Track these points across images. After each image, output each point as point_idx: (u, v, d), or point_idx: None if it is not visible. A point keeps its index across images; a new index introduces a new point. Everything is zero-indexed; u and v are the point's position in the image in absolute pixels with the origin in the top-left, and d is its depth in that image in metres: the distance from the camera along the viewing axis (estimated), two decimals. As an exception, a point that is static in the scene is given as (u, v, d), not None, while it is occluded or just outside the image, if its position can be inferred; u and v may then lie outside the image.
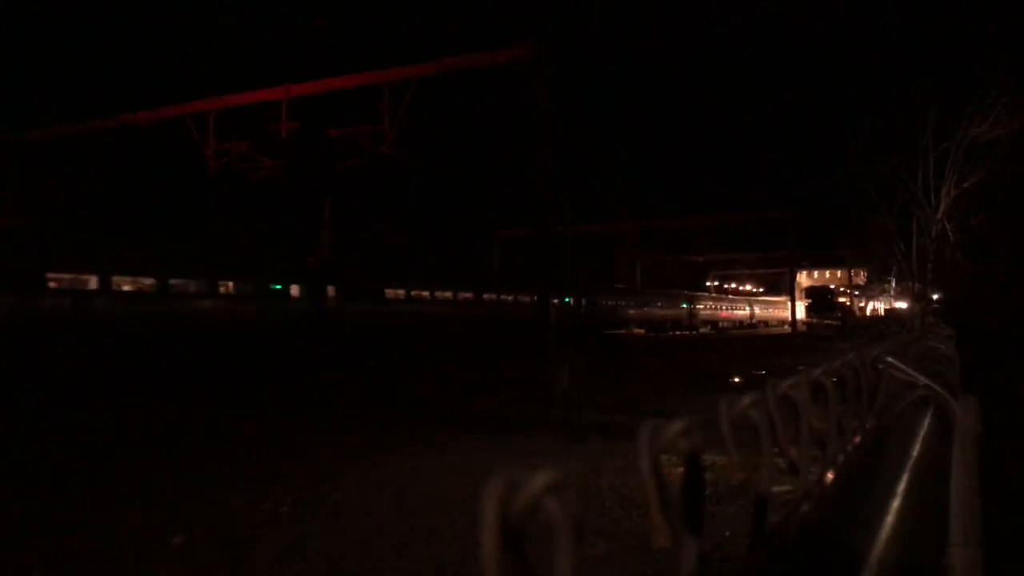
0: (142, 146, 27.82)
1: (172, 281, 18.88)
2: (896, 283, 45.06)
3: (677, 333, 49.94)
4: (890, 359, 2.77)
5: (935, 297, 32.00)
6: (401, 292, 27.54)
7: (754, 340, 43.40)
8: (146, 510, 6.12)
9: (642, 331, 46.19)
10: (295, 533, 5.52)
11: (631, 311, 47.14)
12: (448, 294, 29.47)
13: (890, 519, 1.28)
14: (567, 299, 34.65)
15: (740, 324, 65.58)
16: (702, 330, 55.28)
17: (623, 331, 43.70)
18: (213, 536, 5.42)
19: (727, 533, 5.11)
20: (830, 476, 1.44)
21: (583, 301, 38.35)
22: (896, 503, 1.38)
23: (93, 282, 16.82)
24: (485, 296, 31.66)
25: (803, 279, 78.24)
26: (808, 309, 75.25)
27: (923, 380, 2.85)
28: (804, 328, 56.53)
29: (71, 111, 29.00)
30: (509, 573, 0.49)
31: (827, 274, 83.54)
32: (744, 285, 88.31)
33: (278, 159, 23.03)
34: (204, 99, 24.26)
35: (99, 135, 25.76)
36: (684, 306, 54.51)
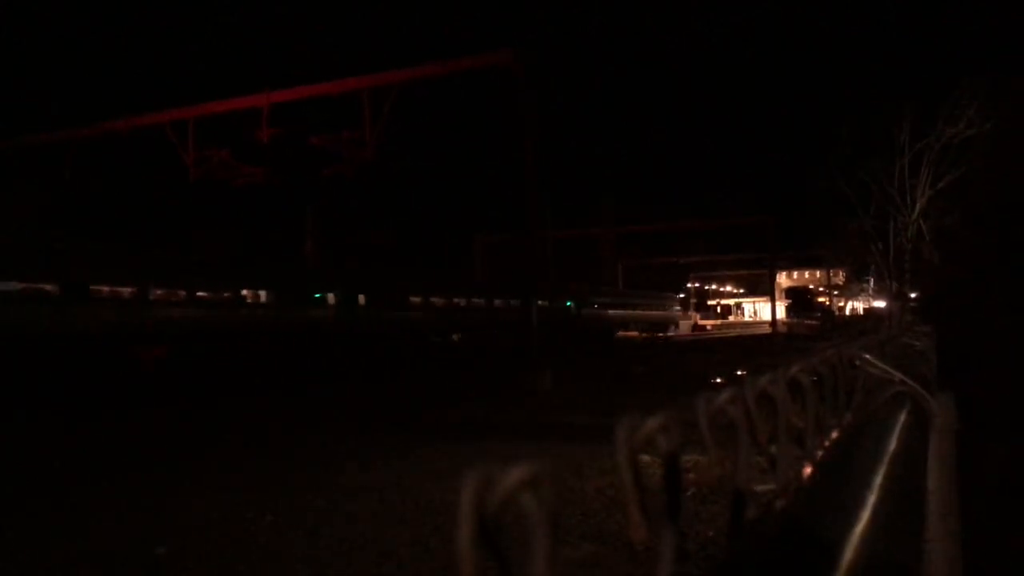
0: (122, 154, 27.55)
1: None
2: (874, 282, 45.57)
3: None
4: (867, 356, 2.80)
5: (912, 296, 32.37)
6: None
7: (736, 342, 43.66)
8: (131, 519, 6.06)
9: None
10: (279, 541, 5.49)
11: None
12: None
13: (867, 513, 1.30)
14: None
15: None
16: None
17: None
18: (197, 545, 5.37)
19: (710, 533, 5.14)
20: (808, 471, 1.45)
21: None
22: (873, 497, 1.40)
23: None
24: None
25: (783, 279, 78.84)
26: (788, 309, 75.78)
27: (899, 377, 2.89)
28: (785, 328, 56.97)
29: (49, 119, 28.70)
30: (484, 569, 0.50)
31: (806, 274, 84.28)
32: (725, 286, 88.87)
33: (259, 166, 22.92)
34: (184, 106, 24.13)
35: (78, 143, 25.52)
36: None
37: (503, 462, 0.56)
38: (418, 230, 52.43)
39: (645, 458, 0.87)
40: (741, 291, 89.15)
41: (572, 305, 37.71)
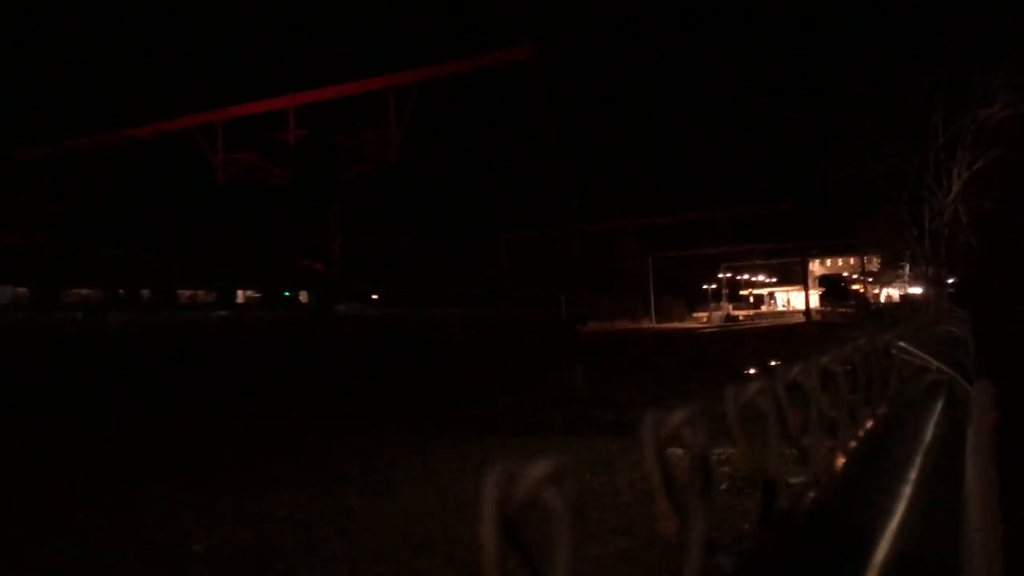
0: (148, 160, 27.93)
1: None
2: (910, 269, 44.78)
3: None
4: (902, 344, 2.75)
5: (950, 281, 31.78)
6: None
7: (768, 332, 43.24)
8: (165, 517, 6.16)
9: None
10: (313, 538, 5.55)
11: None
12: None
13: (902, 504, 1.27)
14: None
15: None
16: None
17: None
18: (232, 543, 5.45)
19: (745, 526, 5.09)
20: (841, 462, 1.43)
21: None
22: (908, 488, 1.38)
23: None
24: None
25: (816, 267, 77.80)
26: (822, 297, 74.85)
27: (936, 364, 2.83)
28: (819, 317, 56.31)
29: (75, 127, 29.05)
30: (507, 563, 0.50)
31: (840, 262, 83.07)
32: (757, 276, 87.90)
33: (286, 168, 23.15)
34: (212, 110, 24.46)
35: (104, 150, 25.98)
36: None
37: (532, 457, 0.56)
38: (442, 228, 52.52)
39: (677, 451, 0.87)
40: (773, 280, 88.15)
41: (311, 298, 22.71)
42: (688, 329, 50.76)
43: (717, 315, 65.15)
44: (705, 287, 73.83)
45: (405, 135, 21.31)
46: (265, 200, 28.90)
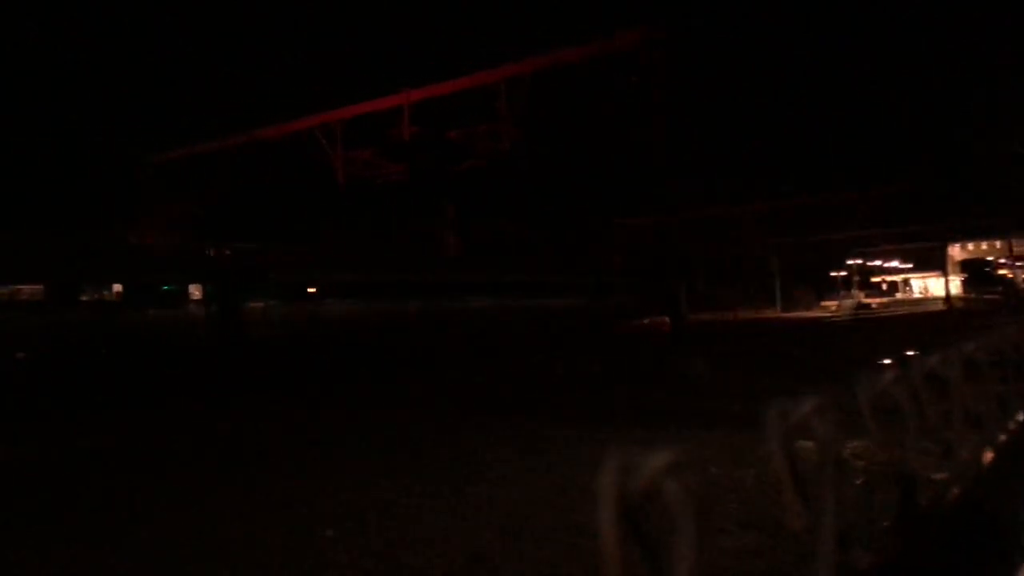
0: (269, 160, 29.18)
1: None
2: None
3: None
4: (1059, 331, 2.52)
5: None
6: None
7: (903, 320, 40.83)
8: (287, 507, 6.43)
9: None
10: (439, 526, 5.68)
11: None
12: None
13: (1061, 503, 1.17)
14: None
15: None
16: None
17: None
18: (362, 529, 5.65)
19: (885, 523, 4.83)
20: (989, 456, 1.33)
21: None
22: (1069, 486, 1.26)
23: None
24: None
25: (956, 252, 72.66)
26: (964, 283, 69.85)
27: (1099, 353, 2.58)
28: (961, 304, 52.66)
29: (202, 131, 30.62)
30: (628, 554, 0.49)
31: (983, 245, 77.27)
32: (890, 261, 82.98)
33: (401, 163, 23.87)
34: (332, 110, 25.52)
35: (231, 152, 27.57)
36: None
37: (652, 447, 0.54)
38: (559, 217, 52.33)
39: (807, 444, 0.83)
40: (909, 266, 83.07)
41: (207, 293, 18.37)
42: (816, 318, 48.54)
43: (847, 303, 61.97)
44: (834, 274, 70.40)
45: (518, 126, 21.46)
46: (383, 195, 29.72)
